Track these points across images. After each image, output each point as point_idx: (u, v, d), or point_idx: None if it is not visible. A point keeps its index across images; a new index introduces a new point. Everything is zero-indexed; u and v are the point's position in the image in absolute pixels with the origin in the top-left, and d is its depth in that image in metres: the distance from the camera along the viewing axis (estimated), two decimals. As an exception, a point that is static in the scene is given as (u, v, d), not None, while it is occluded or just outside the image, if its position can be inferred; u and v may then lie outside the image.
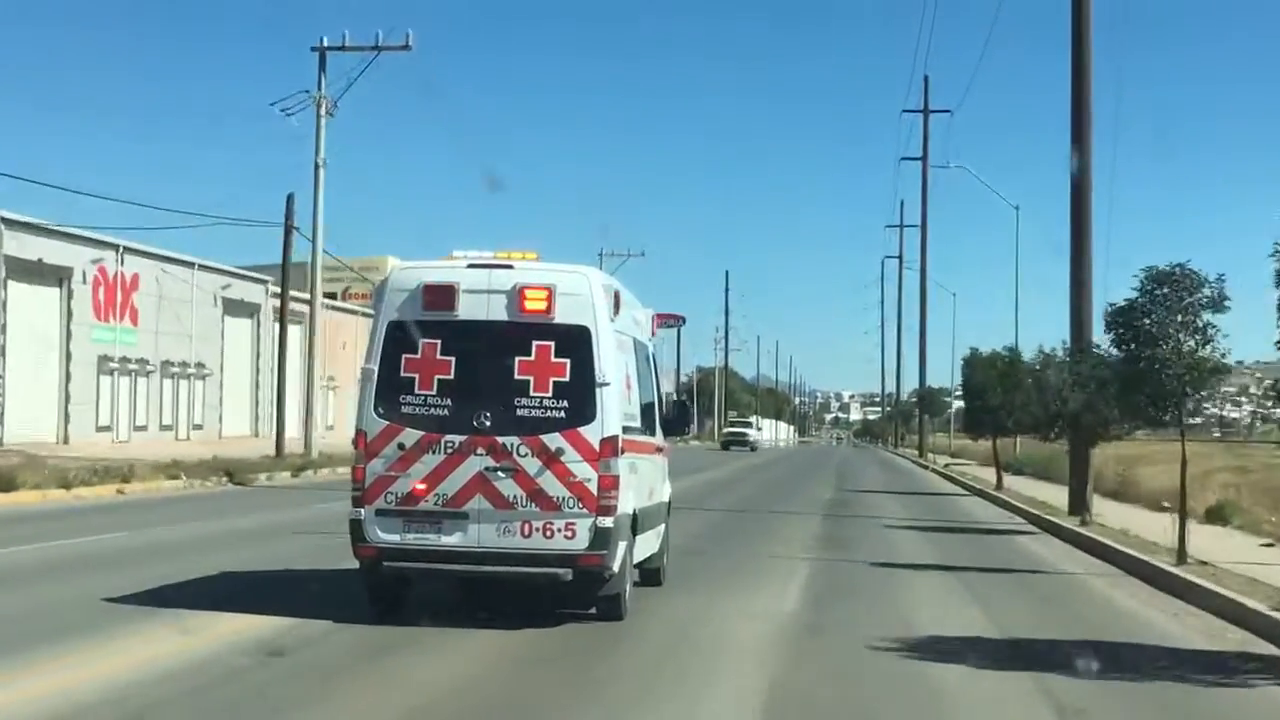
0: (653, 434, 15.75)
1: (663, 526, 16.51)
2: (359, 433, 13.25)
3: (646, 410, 15.52)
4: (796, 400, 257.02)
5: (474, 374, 13.16)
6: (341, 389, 69.31)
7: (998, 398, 37.81)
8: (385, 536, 13.06)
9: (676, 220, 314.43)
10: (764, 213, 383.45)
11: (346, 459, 28.78)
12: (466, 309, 13.21)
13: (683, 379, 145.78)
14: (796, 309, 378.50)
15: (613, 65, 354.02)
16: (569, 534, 12.98)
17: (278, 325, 55.07)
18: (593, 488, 12.98)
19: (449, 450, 13.03)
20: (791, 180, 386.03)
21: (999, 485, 40.68)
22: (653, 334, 17.07)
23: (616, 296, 13.61)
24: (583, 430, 13.04)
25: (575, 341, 13.14)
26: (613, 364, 13.28)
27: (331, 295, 75.35)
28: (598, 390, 13.09)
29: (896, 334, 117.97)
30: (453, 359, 13.17)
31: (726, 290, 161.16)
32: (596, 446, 13.02)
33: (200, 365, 62.27)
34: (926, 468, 68.23)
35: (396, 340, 13.24)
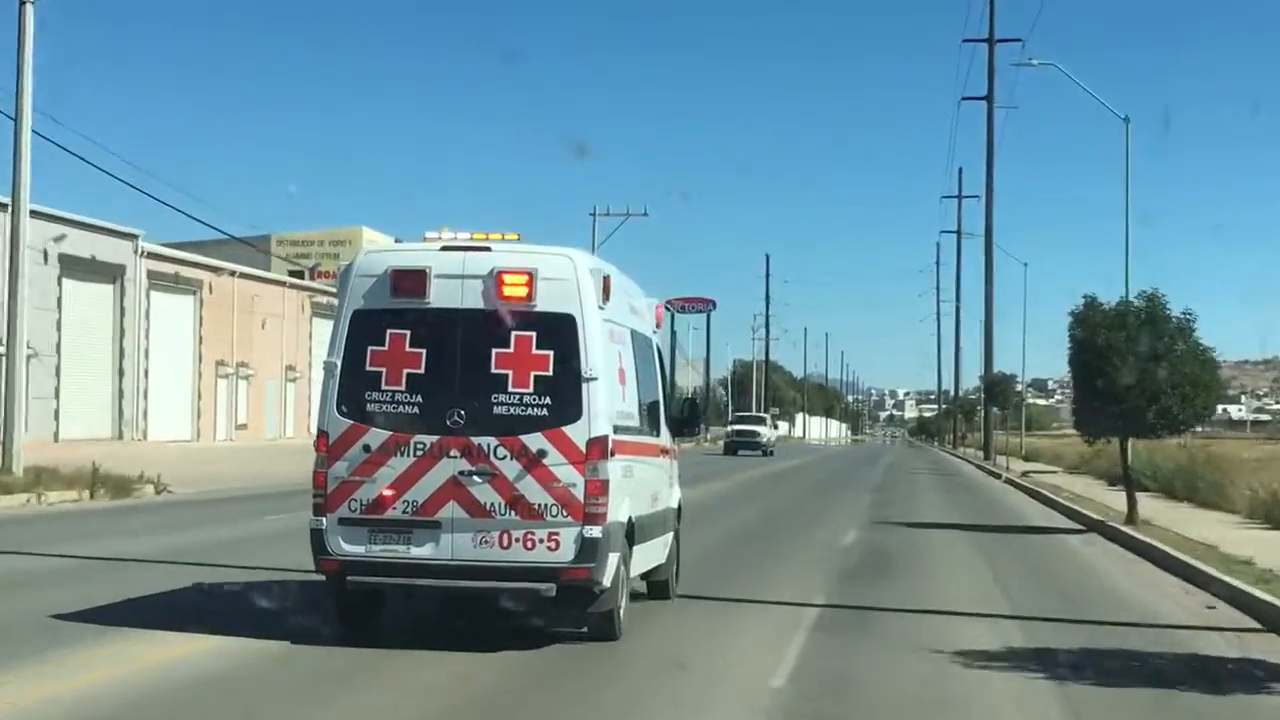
0: (656, 434, 14.46)
1: (670, 535, 15.18)
2: (320, 433, 12.03)
3: (649, 408, 14.24)
4: (850, 398, 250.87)
5: (447, 368, 11.91)
6: (257, 378, 63.31)
7: (1131, 375, 23.82)
8: (349, 548, 11.83)
9: (714, 206, 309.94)
10: (809, 204, 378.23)
11: (72, 478, 26.57)
12: (439, 296, 11.96)
13: (716, 374, 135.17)
14: (849, 307, 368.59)
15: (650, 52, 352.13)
16: (552, 545, 11.70)
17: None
18: (578, 493, 11.70)
19: (419, 452, 11.78)
20: (837, 171, 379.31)
21: (1132, 517, 25.49)
22: (658, 325, 15.70)
23: (606, 282, 12.28)
24: (567, 430, 11.76)
25: (559, 331, 11.87)
26: (602, 356, 11.99)
27: (298, 274, 70.85)
28: (584, 385, 11.81)
29: (955, 320, 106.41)
30: (423, 351, 11.93)
31: (767, 275, 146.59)
32: (583, 448, 11.74)
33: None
34: (997, 476, 51.43)
35: (362, 331, 12.02)
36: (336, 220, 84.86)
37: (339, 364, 12.02)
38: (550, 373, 11.82)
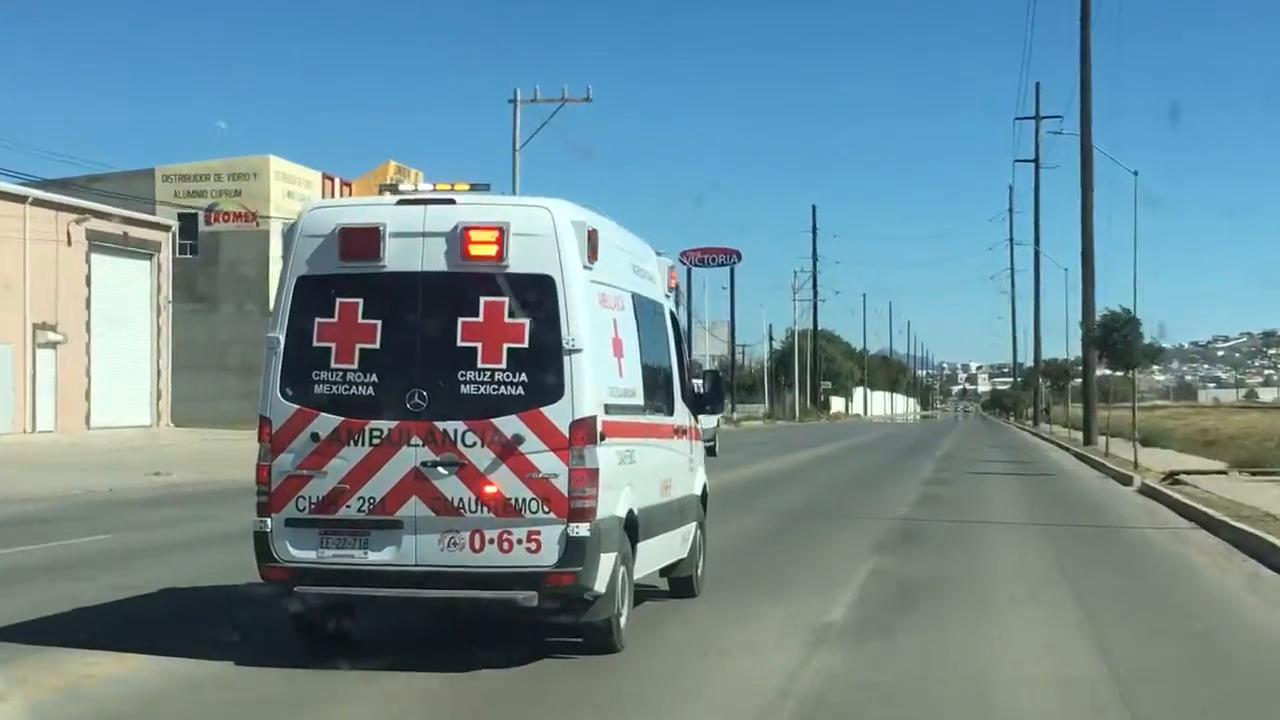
0: (668, 413, 12.69)
1: (691, 527, 13.47)
2: (262, 421, 10.38)
3: (657, 384, 12.50)
4: (923, 372, 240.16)
5: (406, 341, 10.22)
6: (72, 345, 48.29)
7: None
8: (298, 553, 10.18)
9: (769, 172, 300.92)
10: (858, 146, 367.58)
11: None
12: (395, 258, 10.27)
13: (742, 343, 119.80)
14: (909, 265, 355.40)
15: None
16: (532, 546, 10.01)
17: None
18: (561, 485, 10.00)
19: (375, 440, 10.12)
20: (889, 106, 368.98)
21: None
22: (671, 288, 13.88)
23: (593, 236, 10.51)
24: (547, 411, 10.05)
25: (536, 295, 10.17)
26: (588, 324, 10.25)
27: (189, 217, 59.32)
28: (566, 358, 10.09)
29: (1034, 264, 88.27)
30: (378, 323, 10.26)
31: (814, 229, 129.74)
32: (566, 431, 10.02)
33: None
34: (1125, 480, 31.59)
35: (307, 301, 10.38)
36: (239, 149, 70.80)
37: (281, 339, 10.37)
38: (526, 345, 10.12)
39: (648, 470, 11.69)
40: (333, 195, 61.61)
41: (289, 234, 10.62)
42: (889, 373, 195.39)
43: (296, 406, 10.26)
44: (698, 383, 14.07)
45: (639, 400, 11.59)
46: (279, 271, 10.73)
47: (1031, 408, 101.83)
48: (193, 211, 60.53)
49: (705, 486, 14.20)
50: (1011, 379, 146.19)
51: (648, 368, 12.08)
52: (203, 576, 14.60)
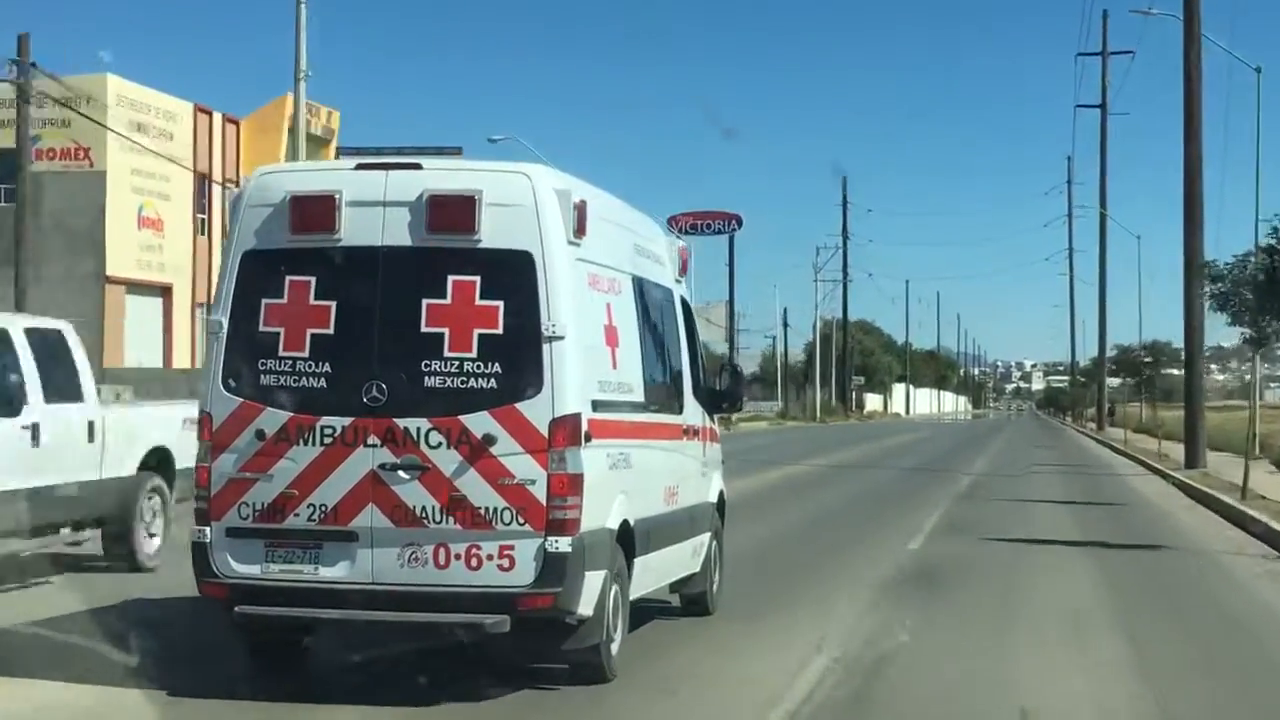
0: (676, 411, 11.39)
1: (705, 538, 12.13)
2: (203, 415, 9.11)
3: (665, 378, 11.26)
4: (976, 370, 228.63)
5: (364, 327, 8.95)
6: None
7: None
8: (240, 567, 8.92)
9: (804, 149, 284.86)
10: (893, 108, 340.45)
11: None
12: (353, 230, 9.00)
13: (745, 328, 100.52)
14: (954, 245, 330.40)
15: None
16: (505, 563, 8.71)
17: None
18: (539, 493, 8.71)
19: (327, 439, 8.85)
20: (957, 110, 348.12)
21: None
22: (682, 272, 12.45)
23: (581, 209, 9.18)
24: (523, 407, 8.75)
25: (511, 275, 8.88)
26: (572, 307, 8.94)
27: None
28: (545, 347, 8.78)
29: (1100, 245, 72.51)
30: (332, 305, 8.97)
31: (844, 203, 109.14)
32: (544, 431, 8.72)
33: None
34: None
35: (254, 280, 9.13)
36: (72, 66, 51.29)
37: (225, 323, 9.10)
38: (500, 330, 8.82)
39: (648, 475, 10.37)
40: (210, 133, 52.17)
41: (234, 203, 9.39)
42: (936, 369, 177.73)
43: (240, 399, 8.99)
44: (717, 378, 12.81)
45: (637, 397, 10.26)
46: (222, 246, 9.44)
47: (1092, 407, 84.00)
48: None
49: (723, 493, 12.86)
50: (1069, 376, 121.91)
51: (652, 361, 10.80)
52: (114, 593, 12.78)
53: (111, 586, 13.04)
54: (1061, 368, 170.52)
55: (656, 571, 10.75)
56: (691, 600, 12.27)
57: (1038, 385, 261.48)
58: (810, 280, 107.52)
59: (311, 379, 8.92)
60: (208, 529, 8.97)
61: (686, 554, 11.60)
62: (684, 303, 12.23)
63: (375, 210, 8.97)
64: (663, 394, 11.06)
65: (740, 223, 75.80)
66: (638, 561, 10.04)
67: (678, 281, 12.16)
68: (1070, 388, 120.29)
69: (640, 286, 10.66)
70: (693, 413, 11.84)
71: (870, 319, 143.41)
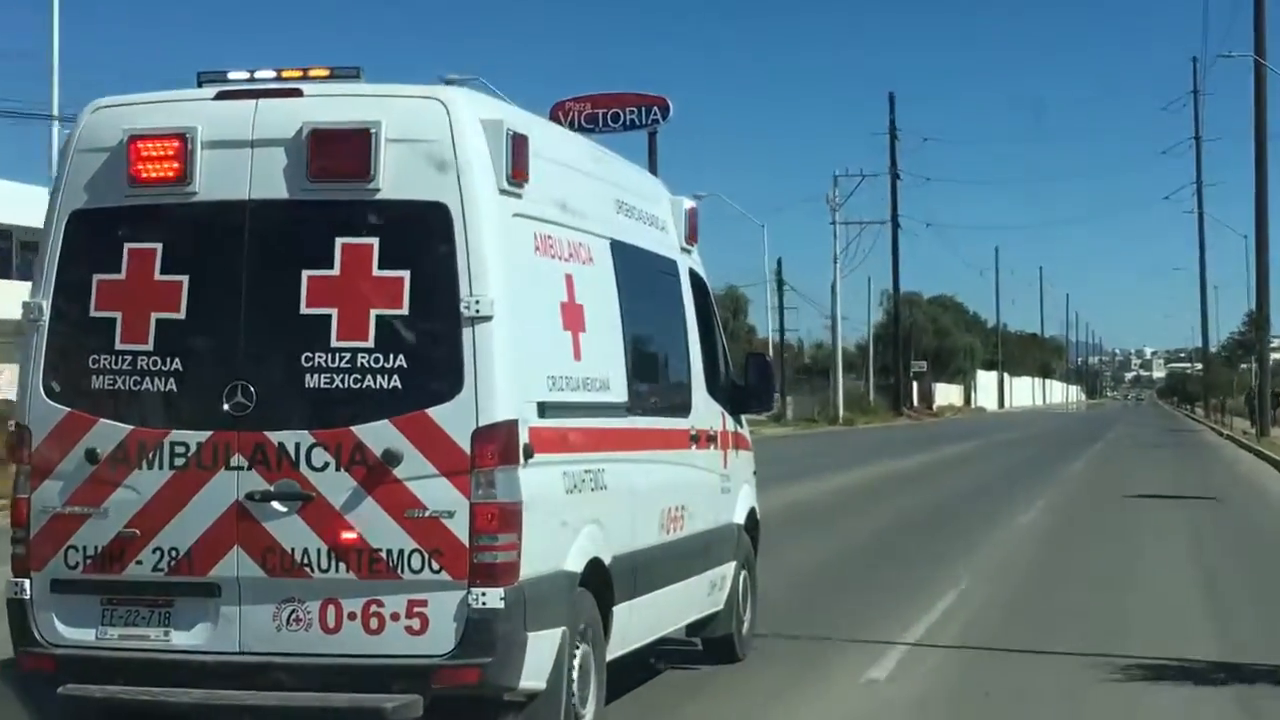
0: (681, 413, 9.19)
1: (728, 569, 9.95)
2: (18, 431, 6.91)
3: (663, 372, 9.18)
4: (1096, 359, 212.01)
5: (226, 309, 6.74)
6: None
7: None
8: (68, 632, 6.77)
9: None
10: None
11: None
12: (213, 180, 6.80)
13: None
14: (1087, 259, 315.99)
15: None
16: (414, 624, 6.51)
17: None
18: (458, 529, 6.44)
19: (179, 460, 6.64)
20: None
21: None
22: (691, 239, 10.11)
23: (519, 144, 6.88)
24: (437, 414, 6.52)
25: (421, 235, 6.66)
26: (505, 277, 6.68)
27: None
28: (467, 331, 6.51)
29: (1258, 170, 50.33)
30: (184, 280, 6.74)
31: (892, 129, 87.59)
32: (465, 445, 6.45)
33: None
34: None
35: (82, 249, 7.01)
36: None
37: (45, 307, 6.91)
38: (405, 311, 6.57)
39: (634, 497, 8.11)
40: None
41: (64, 148, 7.15)
42: (1041, 355, 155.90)
43: (66, 409, 6.81)
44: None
45: (616, 396, 7.94)
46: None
47: (1230, 397, 62.78)
48: None
49: (754, 511, 10.63)
50: (1203, 349, 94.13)
51: (642, 350, 8.58)
52: None
53: None
54: (1183, 354, 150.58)
55: (654, 618, 8.59)
56: (715, 644, 10.09)
57: (1159, 374, 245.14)
58: (850, 237, 78.26)
59: (157, 379, 6.72)
60: (26, 581, 6.78)
61: (700, 591, 9.42)
62: (695, 277, 9.96)
63: (242, 153, 6.76)
64: (659, 392, 8.90)
65: (666, 110, 47.53)
66: (620, 610, 7.80)
67: (685, 251, 9.89)
68: (1205, 370, 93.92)
69: (626, 255, 8.36)
70: (706, 414, 9.59)
71: (951, 294, 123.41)
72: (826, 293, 77.72)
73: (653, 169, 40.25)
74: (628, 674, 8.68)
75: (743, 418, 10.59)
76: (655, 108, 46.48)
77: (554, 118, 38.81)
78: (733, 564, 10.04)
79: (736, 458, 10.29)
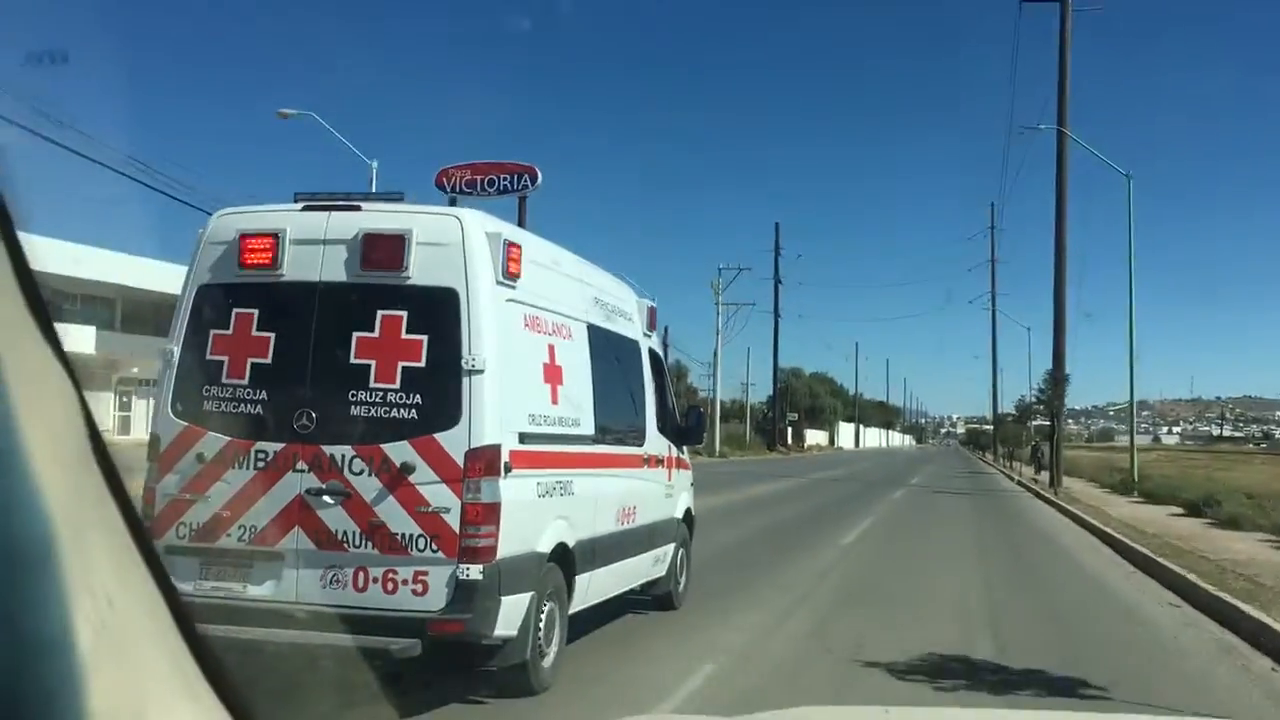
0: (636, 443, 12.74)
1: (669, 548, 14.17)
2: (152, 438, 9.66)
3: (623, 415, 12.43)
4: (923, 419, 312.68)
5: (299, 356, 9.44)
6: None
7: None
8: (178, 584, 9.36)
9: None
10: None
11: None
12: (295, 266, 9.52)
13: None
14: (903, 334, 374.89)
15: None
16: (418, 588, 9.10)
17: None
18: (452, 521, 9.08)
19: (260, 463, 9.32)
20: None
21: None
22: (650, 327, 14.17)
23: (512, 251, 9.60)
24: (441, 438, 9.16)
25: (437, 310, 9.32)
26: (497, 343, 9.35)
27: None
28: (465, 380, 9.18)
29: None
30: (272, 336, 9.46)
31: (776, 249, 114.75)
32: (460, 461, 9.10)
33: None
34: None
35: (206, 311, 9.73)
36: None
37: (176, 351, 9.69)
38: (423, 364, 9.23)
39: (596, 500, 11.15)
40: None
41: (197, 242, 9.96)
42: (885, 415, 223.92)
43: (185, 424, 9.54)
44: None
45: (585, 430, 10.82)
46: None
47: (1019, 447, 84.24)
48: None
49: (690, 510, 15.05)
50: (993, 406, 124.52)
51: (608, 399, 11.66)
52: None
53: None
54: (977, 419, 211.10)
55: (611, 582, 11.83)
56: (660, 599, 14.21)
57: (961, 430, 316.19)
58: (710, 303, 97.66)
59: (249, 405, 9.42)
60: None
61: (647, 563, 13.07)
62: (652, 353, 13.80)
63: (316, 248, 9.47)
64: (619, 428, 12.13)
65: (535, 178, 48.04)
66: (581, 578, 10.64)
67: (646, 335, 13.67)
68: (995, 427, 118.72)
69: (599, 335, 11.55)
70: (655, 444, 13.28)
71: (825, 370, 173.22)
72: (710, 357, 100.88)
73: (521, 226, 50.60)
74: (599, 617, 12.27)
75: (684, 449, 14.50)
76: (526, 175, 48.10)
77: (439, 182, 44.83)
78: (673, 545, 13.99)
79: (678, 474, 14.21)
